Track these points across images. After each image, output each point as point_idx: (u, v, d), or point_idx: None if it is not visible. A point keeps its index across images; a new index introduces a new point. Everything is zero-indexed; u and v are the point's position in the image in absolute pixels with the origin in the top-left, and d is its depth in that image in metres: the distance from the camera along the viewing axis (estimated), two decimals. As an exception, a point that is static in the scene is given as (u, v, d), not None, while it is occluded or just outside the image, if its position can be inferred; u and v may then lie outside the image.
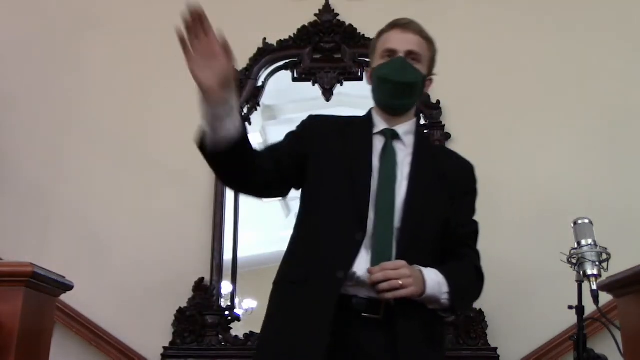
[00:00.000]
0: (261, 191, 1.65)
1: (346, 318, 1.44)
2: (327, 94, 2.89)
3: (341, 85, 2.93)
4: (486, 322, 2.59)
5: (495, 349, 2.55)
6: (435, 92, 2.88)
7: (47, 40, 3.05)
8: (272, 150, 1.66)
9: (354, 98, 3.13)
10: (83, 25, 3.07)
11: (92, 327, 2.62)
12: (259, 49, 2.96)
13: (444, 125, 2.84)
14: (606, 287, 1.60)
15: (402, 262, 1.45)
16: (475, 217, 1.70)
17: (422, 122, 2.86)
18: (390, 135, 1.64)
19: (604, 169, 2.79)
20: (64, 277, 1.66)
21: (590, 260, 2.01)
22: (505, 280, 2.65)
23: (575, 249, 2.06)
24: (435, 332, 1.56)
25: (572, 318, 2.14)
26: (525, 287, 2.64)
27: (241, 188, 1.67)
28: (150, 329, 2.64)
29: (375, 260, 1.47)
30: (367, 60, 2.92)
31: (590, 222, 2.08)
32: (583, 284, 2.08)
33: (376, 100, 1.70)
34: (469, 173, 1.72)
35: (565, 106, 2.87)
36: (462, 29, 2.99)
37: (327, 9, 3.01)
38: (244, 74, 2.93)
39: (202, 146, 1.48)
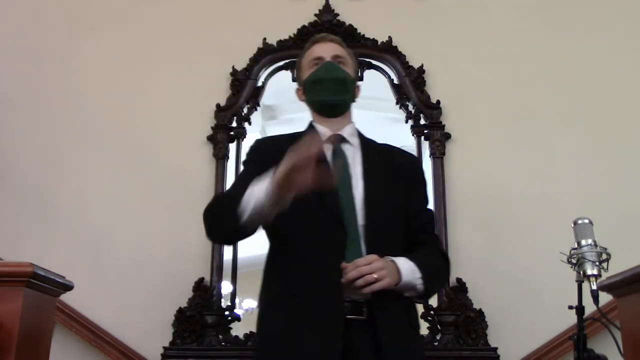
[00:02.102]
0: (241, 238, 1.66)
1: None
2: (327, 94, 2.89)
3: (341, 85, 2.93)
4: (486, 322, 2.59)
5: (495, 349, 2.54)
6: (435, 92, 2.90)
7: (47, 41, 3.05)
8: (242, 192, 1.63)
9: (353, 98, 3.12)
10: (82, 25, 3.07)
11: (92, 327, 2.62)
12: (259, 49, 2.96)
13: (444, 125, 2.84)
14: (606, 287, 1.60)
15: (374, 256, 1.48)
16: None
17: (422, 122, 2.87)
18: (338, 139, 1.70)
19: (604, 168, 2.79)
20: (64, 277, 1.66)
21: (590, 260, 2.00)
22: (505, 280, 2.66)
23: (575, 249, 2.05)
24: (412, 317, 1.62)
25: (572, 318, 2.14)
26: (525, 287, 2.64)
27: (225, 242, 1.77)
28: (150, 329, 2.64)
29: (347, 259, 1.50)
30: (367, 60, 2.95)
31: (590, 222, 2.08)
32: (583, 284, 2.08)
33: (314, 103, 1.77)
34: (416, 165, 1.84)
35: (565, 106, 2.88)
36: (462, 28, 3.00)
37: (327, 9, 3.01)
38: (244, 74, 2.94)
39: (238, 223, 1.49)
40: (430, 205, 2.71)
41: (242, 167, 1.80)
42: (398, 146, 1.85)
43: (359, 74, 2.93)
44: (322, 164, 1.47)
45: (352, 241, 1.54)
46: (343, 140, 1.71)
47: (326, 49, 1.78)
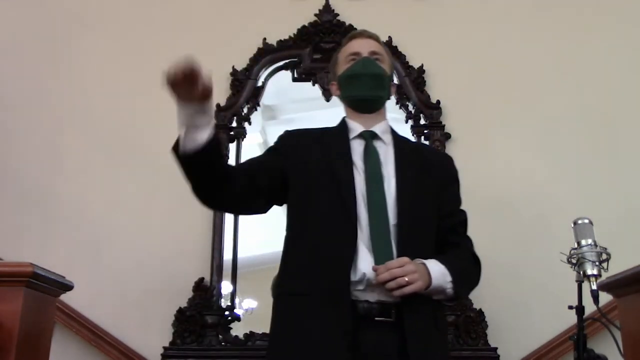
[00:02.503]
0: (235, 205, 1.68)
1: (358, 323, 1.46)
2: (327, 94, 2.88)
3: (341, 85, 2.93)
4: (486, 322, 2.59)
5: (495, 349, 2.54)
6: (435, 92, 2.90)
7: (47, 41, 3.05)
8: (249, 165, 1.69)
9: (354, 98, 3.12)
10: (82, 25, 3.07)
11: (92, 327, 2.62)
12: (259, 49, 2.96)
13: (444, 125, 2.84)
14: (606, 287, 1.60)
15: (406, 259, 1.47)
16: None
17: (422, 122, 2.87)
18: (370, 136, 1.67)
19: (604, 168, 2.79)
20: (64, 277, 1.66)
21: (590, 260, 2.00)
22: (506, 280, 2.65)
23: (575, 249, 2.05)
24: (439, 320, 1.59)
25: (572, 318, 2.14)
26: (525, 287, 2.64)
27: (212, 201, 1.64)
28: (150, 329, 2.64)
29: (378, 260, 1.48)
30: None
31: (590, 222, 2.08)
32: (583, 284, 2.08)
33: (349, 97, 1.75)
34: (450, 164, 1.79)
35: (565, 106, 2.88)
36: (462, 28, 3.00)
37: (327, 9, 3.01)
38: (244, 74, 2.94)
39: (176, 150, 1.54)
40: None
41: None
42: None
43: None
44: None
45: (382, 242, 1.51)
46: (375, 137, 1.68)
47: (363, 45, 1.75)
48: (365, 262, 1.49)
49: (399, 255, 1.50)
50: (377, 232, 1.52)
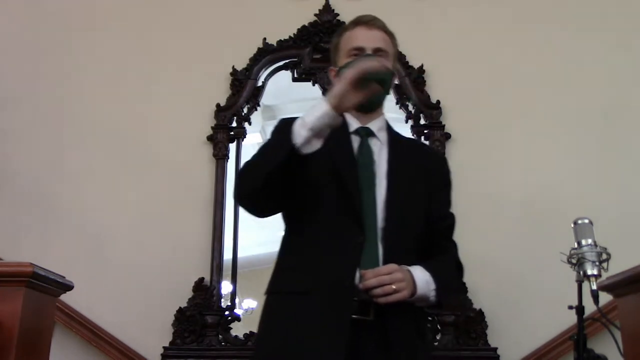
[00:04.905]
0: (271, 211, 1.59)
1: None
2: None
3: (341, 85, 2.93)
4: (486, 322, 2.59)
5: (495, 349, 2.55)
6: (435, 92, 2.90)
7: (47, 41, 3.05)
8: None
9: (354, 98, 3.12)
10: (82, 25, 3.07)
11: (92, 327, 2.62)
12: (259, 49, 2.96)
13: (444, 125, 2.84)
14: (606, 287, 1.60)
15: (394, 266, 1.45)
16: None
17: (422, 122, 2.87)
18: (365, 134, 1.63)
19: (604, 168, 2.79)
20: (64, 277, 1.66)
21: (590, 260, 2.00)
22: (505, 281, 2.66)
23: (575, 249, 2.05)
24: (421, 326, 1.57)
25: (572, 318, 2.14)
26: (525, 287, 2.64)
27: (267, 207, 1.57)
28: (150, 329, 2.64)
29: (364, 263, 1.46)
30: (367, 60, 2.95)
31: (590, 222, 2.08)
32: (583, 284, 2.08)
33: None
34: (444, 166, 1.73)
35: (565, 106, 2.87)
36: (462, 29, 3.00)
37: (327, 9, 3.01)
38: (244, 74, 2.94)
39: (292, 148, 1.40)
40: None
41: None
42: None
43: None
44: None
45: (370, 243, 1.49)
46: (371, 134, 1.64)
47: (369, 38, 1.64)
48: None
49: (384, 259, 1.48)
50: (366, 233, 1.50)
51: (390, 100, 2.93)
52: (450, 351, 2.54)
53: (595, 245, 2.03)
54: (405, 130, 2.89)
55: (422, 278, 1.48)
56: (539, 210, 2.74)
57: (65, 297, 1.93)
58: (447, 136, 2.84)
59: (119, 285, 2.71)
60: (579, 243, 2.05)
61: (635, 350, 1.43)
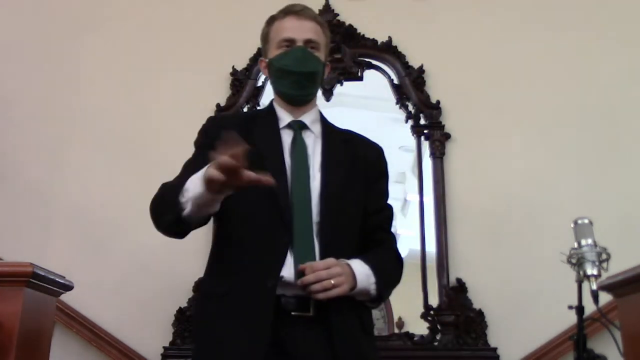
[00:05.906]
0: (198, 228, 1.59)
1: (278, 318, 1.41)
2: (327, 94, 2.89)
3: (341, 85, 2.93)
4: (486, 322, 2.59)
5: (495, 349, 2.55)
6: (435, 92, 2.90)
7: (47, 41, 3.05)
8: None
9: (354, 98, 3.12)
10: (83, 25, 3.07)
11: (92, 327, 2.62)
12: (259, 49, 2.93)
13: (444, 125, 2.84)
14: (606, 287, 1.60)
15: (332, 261, 1.43)
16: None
17: (422, 122, 2.87)
18: (298, 127, 1.61)
19: (604, 168, 2.79)
20: (64, 277, 1.66)
21: (590, 260, 2.00)
22: (505, 280, 2.65)
23: (575, 249, 2.05)
24: (365, 320, 1.55)
25: (572, 318, 2.14)
26: (525, 287, 2.64)
27: (181, 234, 1.62)
28: (150, 329, 2.64)
29: (299, 259, 1.44)
30: (367, 60, 2.95)
31: (590, 222, 2.07)
32: (583, 284, 2.08)
33: (278, 92, 1.65)
34: (380, 157, 1.69)
35: (564, 106, 2.87)
36: (462, 29, 3.00)
37: (327, 9, 3.00)
38: (244, 74, 2.93)
39: (178, 218, 1.45)
40: (431, 205, 2.74)
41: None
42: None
43: (359, 74, 2.94)
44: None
45: (303, 240, 1.46)
46: (304, 127, 1.61)
47: (299, 29, 1.60)
48: (286, 262, 1.45)
49: (321, 254, 1.46)
50: (299, 230, 1.47)
51: (390, 100, 2.94)
52: (450, 351, 2.54)
53: (595, 245, 2.03)
54: (405, 130, 2.89)
55: (361, 271, 1.47)
56: (539, 210, 2.74)
57: (65, 297, 1.93)
58: (447, 136, 2.83)
59: (119, 285, 2.71)
60: (579, 243, 2.05)
61: (635, 350, 1.43)
